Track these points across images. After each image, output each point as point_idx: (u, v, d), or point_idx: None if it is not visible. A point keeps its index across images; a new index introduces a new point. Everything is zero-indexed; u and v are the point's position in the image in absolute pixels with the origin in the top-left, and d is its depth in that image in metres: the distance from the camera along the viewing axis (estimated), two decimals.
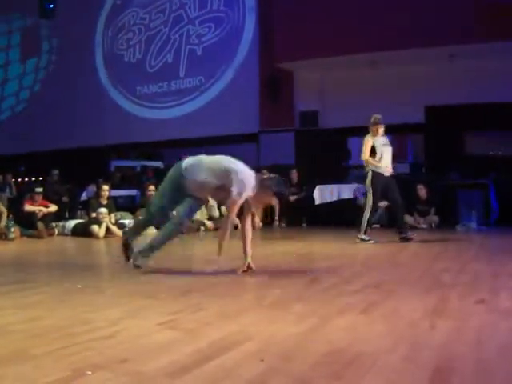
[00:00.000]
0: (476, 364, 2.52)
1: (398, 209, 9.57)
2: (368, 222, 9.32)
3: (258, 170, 14.24)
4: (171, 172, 5.88)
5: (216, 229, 12.35)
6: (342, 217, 12.45)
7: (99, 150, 17.96)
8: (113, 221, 11.44)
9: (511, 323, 3.27)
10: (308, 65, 14.45)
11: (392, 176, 9.47)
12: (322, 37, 13.42)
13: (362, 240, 9.19)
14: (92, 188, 14.28)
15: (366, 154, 9.32)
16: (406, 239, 9.21)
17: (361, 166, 10.77)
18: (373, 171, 9.26)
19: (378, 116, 9.52)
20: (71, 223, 11.64)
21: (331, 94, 15.02)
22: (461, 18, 12.12)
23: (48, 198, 12.42)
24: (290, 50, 13.83)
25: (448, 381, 2.29)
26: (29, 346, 2.90)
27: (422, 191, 12.23)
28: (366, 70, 14.05)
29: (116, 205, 12.52)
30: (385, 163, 9.34)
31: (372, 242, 9.16)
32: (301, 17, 13.95)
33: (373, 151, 9.34)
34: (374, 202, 9.32)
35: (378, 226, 12.24)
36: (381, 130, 9.41)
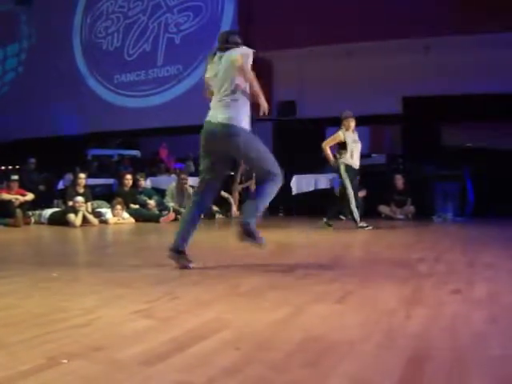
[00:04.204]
0: (450, 352, 2.54)
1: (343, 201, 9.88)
2: (357, 209, 9.54)
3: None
4: None
5: None
6: (318, 206, 12.51)
7: (76, 139, 17.86)
8: (89, 209, 11.39)
9: (485, 312, 3.29)
10: (286, 55, 14.47)
11: (359, 170, 9.82)
12: (299, 27, 13.44)
13: (361, 227, 9.39)
14: (69, 177, 14.22)
15: (326, 143, 9.83)
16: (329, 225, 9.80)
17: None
18: (345, 164, 9.51)
19: (349, 111, 9.79)
20: (48, 212, 11.58)
21: (309, 84, 15.04)
22: (436, 10, 12.19)
23: (24, 186, 12.35)
24: (268, 39, 13.83)
25: (422, 368, 2.31)
26: (3, 334, 2.88)
27: (399, 181, 12.29)
28: (344, 61, 14.08)
29: (93, 193, 12.47)
30: (355, 160, 9.59)
31: (370, 227, 9.37)
32: (279, 7, 13.96)
33: (343, 147, 9.59)
34: (353, 190, 9.52)
35: None
36: (352, 124, 9.61)
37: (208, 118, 5.31)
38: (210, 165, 5.29)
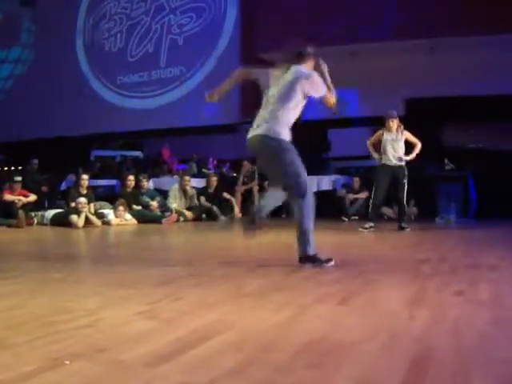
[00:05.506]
0: (454, 353, 2.53)
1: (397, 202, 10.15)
2: (373, 212, 9.74)
3: (239, 160, 14.33)
4: None
5: (195, 219, 12.35)
6: (321, 208, 12.51)
7: (79, 140, 17.88)
8: (92, 210, 11.41)
9: (489, 314, 3.29)
10: None
11: (399, 167, 9.81)
12: (302, 27, 13.43)
13: (364, 228, 9.41)
14: (71, 177, 14.23)
15: (369, 140, 9.98)
16: (402, 228, 9.64)
17: (340, 158, 10.82)
18: (381, 163, 9.77)
19: (391, 111, 9.88)
20: (50, 213, 11.59)
21: None
22: (441, 11, 12.18)
23: (27, 187, 12.35)
24: (271, 40, 13.82)
25: (426, 370, 2.30)
26: (7, 335, 2.88)
27: None
28: (346, 62, 14.06)
29: (95, 194, 12.47)
30: (388, 157, 9.78)
31: (366, 231, 9.36)
32: (282, 7, 13.95)
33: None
34: (376, 194, 9.55)
35: (356, 217, 12.30)
36: (392, 124, 9.69)
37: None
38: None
